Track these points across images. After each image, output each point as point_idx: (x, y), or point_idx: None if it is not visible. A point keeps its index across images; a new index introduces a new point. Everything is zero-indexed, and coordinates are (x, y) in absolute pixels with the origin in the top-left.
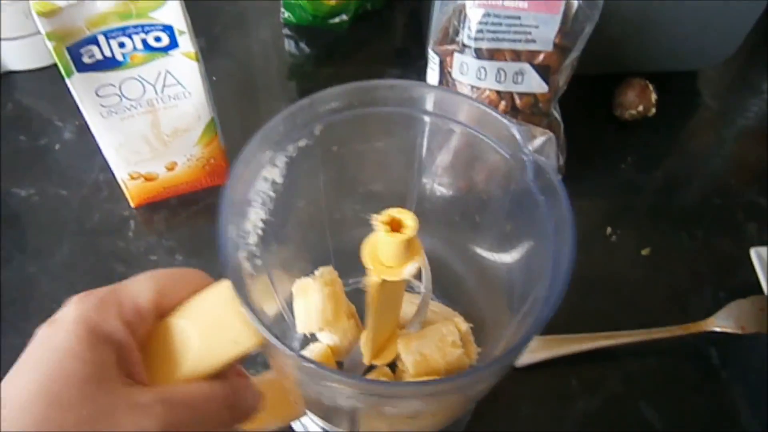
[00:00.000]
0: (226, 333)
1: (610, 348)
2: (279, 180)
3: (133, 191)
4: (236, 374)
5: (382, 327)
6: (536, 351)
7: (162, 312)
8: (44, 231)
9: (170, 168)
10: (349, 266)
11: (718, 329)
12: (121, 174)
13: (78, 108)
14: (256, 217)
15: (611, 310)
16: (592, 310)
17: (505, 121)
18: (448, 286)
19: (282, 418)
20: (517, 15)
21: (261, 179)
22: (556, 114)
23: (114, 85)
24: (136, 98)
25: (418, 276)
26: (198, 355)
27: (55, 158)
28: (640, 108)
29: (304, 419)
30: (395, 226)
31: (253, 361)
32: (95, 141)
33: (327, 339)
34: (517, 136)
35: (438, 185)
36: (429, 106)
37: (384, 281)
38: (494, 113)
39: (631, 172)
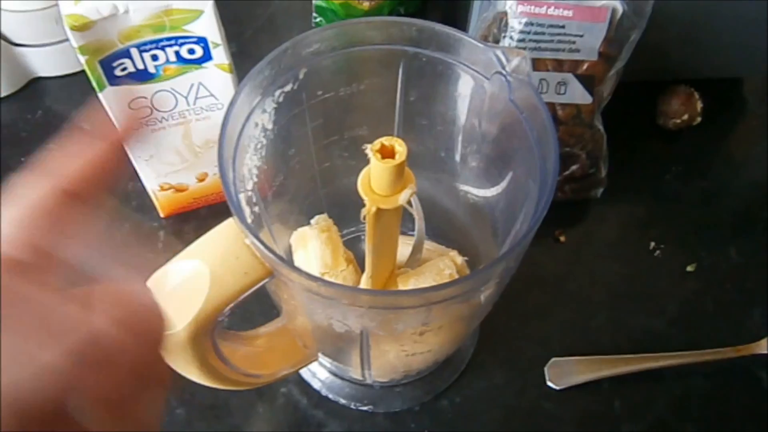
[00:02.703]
0: (236, 266)
1: (655, 369)
2: (269, 126)
3: (162, 202)
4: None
5: (381, 263)
6: (578, 372)
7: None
8: None
9: (201, 179)
10: (341, 217)
11: None
12: (151, 185)
13: (109, 118)
14: (251, 162)
15: (656, 330)
16: (637, 329)
17: (480, 45)
18: (440, 224)
19: (292, 365)
20: (561, 24)
21: (252, 124)
22: (599, 125)
23: (146, 98)
24: (168, 110)
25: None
26: (212, 291)
27: None
28: (685, 117)
29: (313, 366)
30: (387, 153)
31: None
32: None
33: None
34: (494, 58)
35: (420, 121)
36: (406, 40)
37: (380, 210)
38: (467, 38)
39: (676, 183)
